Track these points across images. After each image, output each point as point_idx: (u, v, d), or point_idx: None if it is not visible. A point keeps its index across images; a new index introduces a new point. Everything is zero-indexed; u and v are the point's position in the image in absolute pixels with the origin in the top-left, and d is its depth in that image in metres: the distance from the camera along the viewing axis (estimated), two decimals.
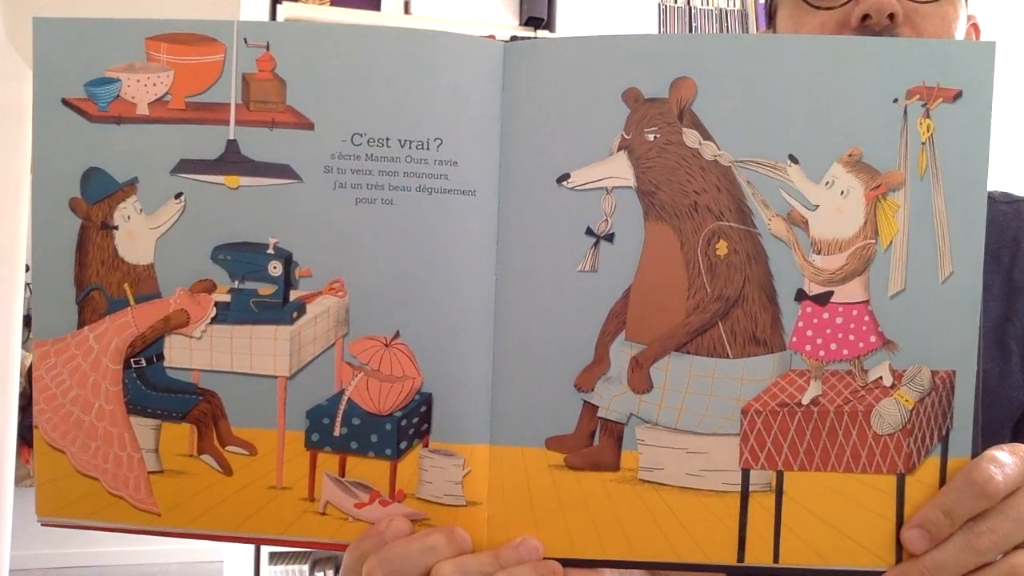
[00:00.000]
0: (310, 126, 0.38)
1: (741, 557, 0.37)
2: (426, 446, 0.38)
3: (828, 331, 0.36)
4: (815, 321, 0.36)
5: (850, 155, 0.36)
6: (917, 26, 0.65)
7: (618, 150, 0.37)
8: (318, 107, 0.38)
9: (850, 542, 0.37)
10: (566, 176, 0.38)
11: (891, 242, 0.36)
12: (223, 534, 0.39)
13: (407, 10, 2.74)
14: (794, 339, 0.37)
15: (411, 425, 0.38)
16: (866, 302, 0.36)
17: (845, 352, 0.36)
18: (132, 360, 0.39)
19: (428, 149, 0.37)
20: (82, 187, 0.39)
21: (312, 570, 2.42)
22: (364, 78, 0.37)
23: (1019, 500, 0.35)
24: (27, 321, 3.40)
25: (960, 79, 0.36)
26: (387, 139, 0.37)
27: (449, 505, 0.38)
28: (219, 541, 0.39)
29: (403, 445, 0.38)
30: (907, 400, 0.36)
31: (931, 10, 0.65)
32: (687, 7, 2.85)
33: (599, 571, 0.39)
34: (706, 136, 0.37)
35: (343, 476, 0.39)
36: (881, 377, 0.36)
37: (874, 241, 0.36)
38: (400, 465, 0.38)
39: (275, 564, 2.36)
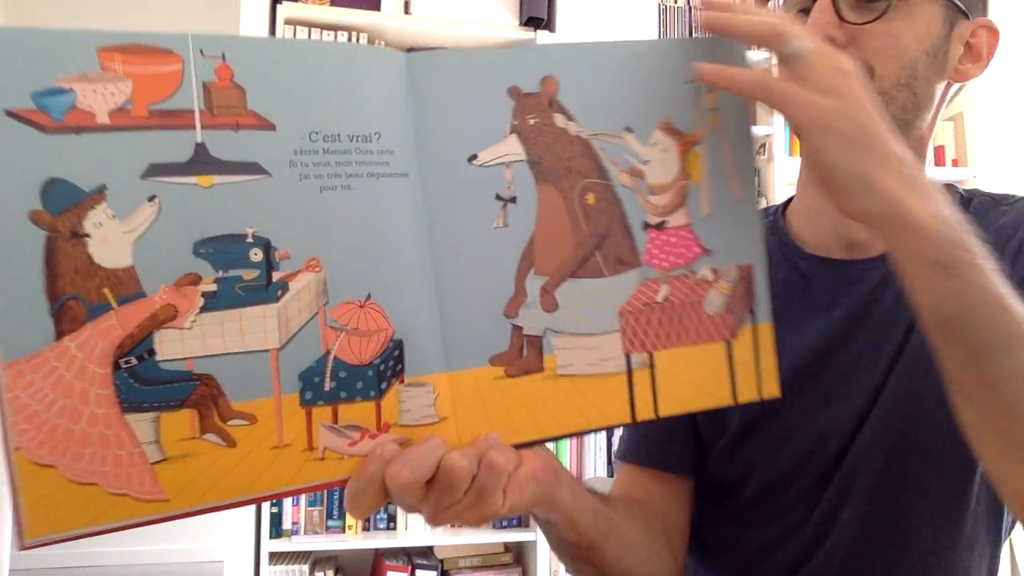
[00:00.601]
0: (272, 127, 0.44)
1: (634, 417, 0.54)
2: (402, 382, 0.48)
3: (667, 248, 0.55)
4: (658, 242, 0.55)
5: (665, 123, 0.54)
6: (862, 45, 0.67)
7: (510, 133, 0.51)
8: (277, 110, 0.44)
9: (702, 392, 0.55)
10: (475, 156, 0.50)
11: (698, 181, 0.55)
12: (234, 500, 0.44)
13: (407, 10, 2.50)
14: (646, 257, 0.54)
15: (388, 368, 0.47)
16: (688, 224, 0.55)
17: (680, 261, 0.55)
18: (122, 361, 0.41)
19: (371, 142, 0.47)
20: (43, 199, 0.40)
21: (312, 570, 2.25)
22: (312, 84, 0.45)
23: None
24: None
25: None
26: (339, 135, 0.46)
27: (426, 424, 0.48)
28: (231, 508, 0.44)
29: (384, 385, 0.47)
30: (725, 288, 0.56)
31: (875, 28, 0.66)
32: (687, 7, 2.82)
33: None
34: (569, 118, 0.52)
35: (336, 423, 0.46)
36: (706, 275, 0.55)
37: (687, 182, 0.55)
38: (383, 402, 0.47)
39: (275, 564, 2.21)
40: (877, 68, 0.67)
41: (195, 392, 0.43)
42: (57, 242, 0.40)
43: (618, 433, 2.50)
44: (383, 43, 2.63)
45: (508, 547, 2.57)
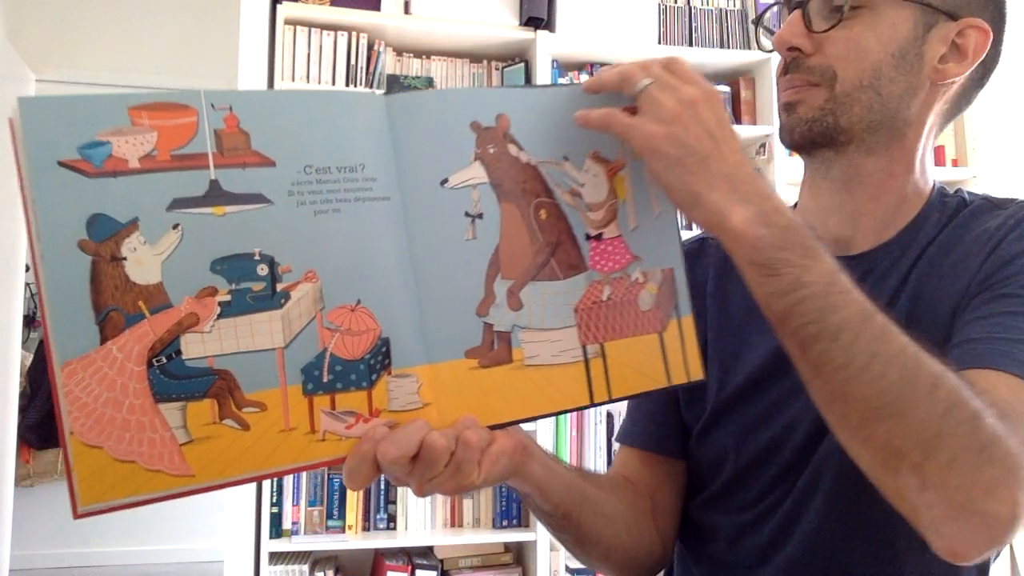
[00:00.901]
0: (273, 164, 0.54)
1: (591, 399, 0.64)
2: (390, 374, 0.57)
3: (606, 255, 0.65)
4: (598, 251, 0.64)
5: (595, 153, 0.65)
6: (826, 51, 0.73)
7: (474, 160, 0.61)
8: (276, 150, 0.54)
9: (644, 376, 0.65)
10: (446, 180, 0.60)
11: (625, 199, 0.65)
12: (250, 476, 0.53)
13: (407, 10, 2.53)
14: (590, 263, 0.64)
15: (377, 362, 0.57)
16: (620, 236, 0.65)
17: (617, 266, 0.65)
18: (154, 360, 0.51)
19: (356, 172, 0.57)
20: (88, 230, 0.50)
21: (312, 570, 2.30)
22: (305, 127, 0.55)
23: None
24: (27, 321, 3.33)
25: None
26: (329, 167, 0.56)
27: (411, 410, 0.58)
28: (247, 483, 0.53)
29: (374, 377, 0.57)
30: (653, 288, 0.66)
31: (837, 35, 0.72)
32: (687, 7, 2.86)
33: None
34: (520, 148, 0.62)
35: (334, 409, 0.56)
36: (637, 278, 0.65)
37: (616, 200, 0.65)
38: (373, 392, 0.57)
39: (275, 564, 2.25)
40: (839, 72, 0.73)
41: (215, 385, 0.53)
42: (100, 265, 0.50)
43: (617, 423, 2.60)
44: (383, 43, 2.65)
45: (508, 547, 2.62)
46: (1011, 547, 2.56)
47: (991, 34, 0.73)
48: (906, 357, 0.56)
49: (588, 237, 0.64)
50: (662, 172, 0.59)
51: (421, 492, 0.58)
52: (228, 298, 0.53)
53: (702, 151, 0.58)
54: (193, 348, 0.52)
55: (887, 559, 0.73)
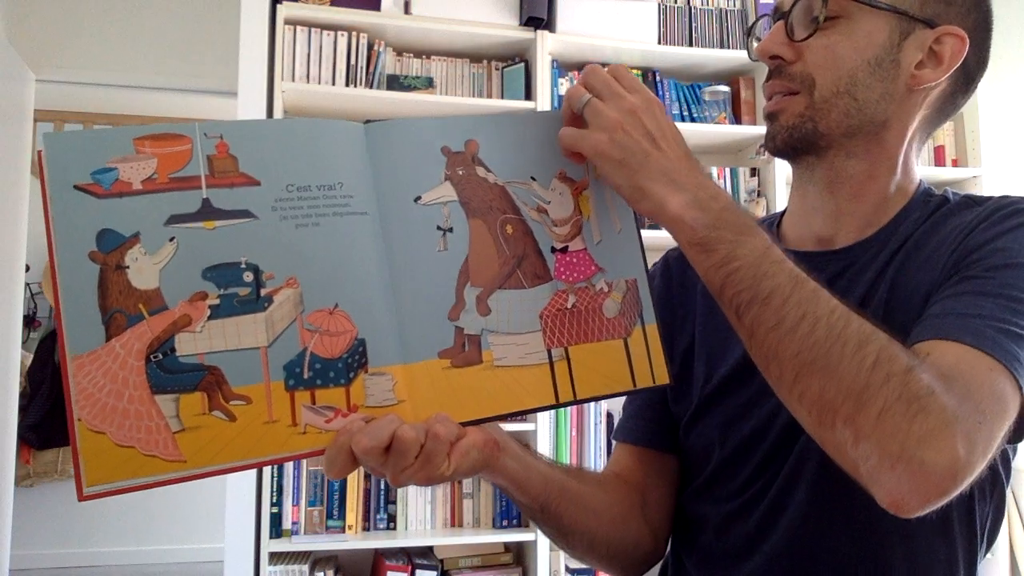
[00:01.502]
0: (258, 183, 0.63)
1: (557, 399, 0.70)
2: (367, 372, 0.66)
3: (571, 267, 0.72)
4: (564, 262, 0.72)
5: (561, 173, 0.73)
6: (806, 59, 0.79)
7: (444, 180, 0.69)
8: (261, 171, 0.63)
9: (609, 379, 0.70)
10: (419, 197, 0.68)
11: (589, 216, 0.72)
12: (239, 464, 0.60)
13: (407, 10, 2.59)
14: (556, 273, 0.71)
15: (354, 361, 0.65)
16: (585, 249, 0.73)
17: (581, 277, 0.72)
18: (152, 356, 0.60)
19: (335, 189, 0.65)
20: (98, 243, 0.59)
21: (312, 570, 2.36)
22: (287, 151, 0.64)
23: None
24: (27, 321, 3.44)
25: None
26: (309, 186, 0.64)
27: (387, 406, 0.66)
28: (235, 471, 0.62)
29: (351, 375, 0.65)
30: (617, 297, 0.73)
31: (815, 43, 0.78)
32: (687, 7, 2.92)
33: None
34: (488, 170, 0.71)
35: (314, 404, 0.64)
36: (602, 287, 0.71)
37: (581, 217, 0.73)
38: (351, 389, 0.65)
39: (275, 564, 2.31)
40: (817, 79, 0.78)
41: (205, 379, 0.61)
42: (107, 273, 0.59)
43: (616, 422, 2.66)
44: (383, 43, 2.71)
45: (508, 547, 2.68)
46: (1011, 547, 2.62)
47: (967, 41, 0.77)
48: (834, 316, 0.61)
49: (554, 250, 0.72)
50: (610, 173, 0.68)
51: (396, 482, 0.64)
52: (217, 302, 0.61)
53: (642, 151, 0.66)
54: (186, 346, 0.61)
55: (874, 544, 0.76)
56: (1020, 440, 0.72)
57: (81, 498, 0.59)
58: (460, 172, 0.69)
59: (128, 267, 0.59)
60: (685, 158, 0.68)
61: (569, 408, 2.64)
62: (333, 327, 0.64)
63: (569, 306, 0.71)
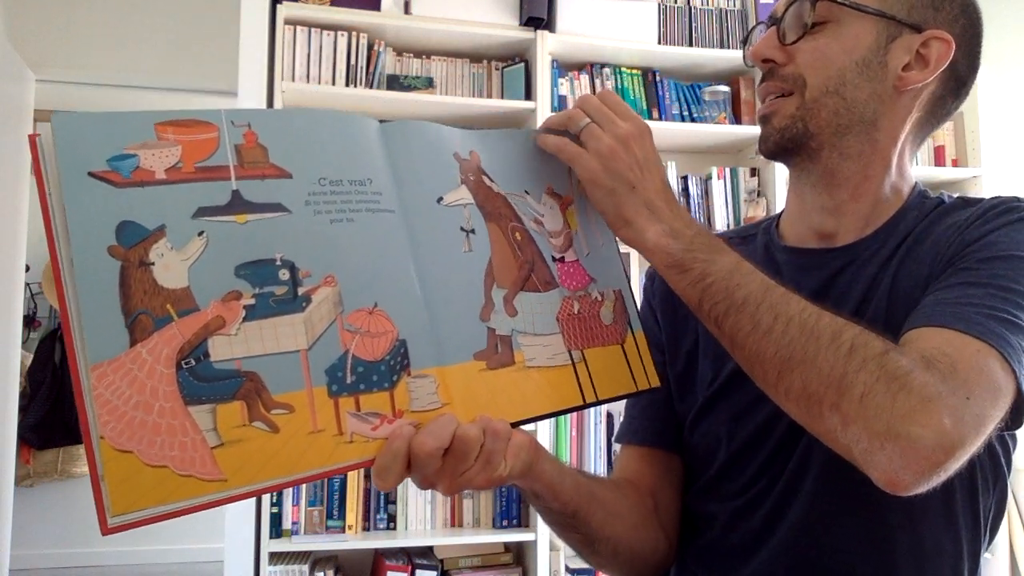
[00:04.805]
0: (290, 175, 0.56)
1: (583, 400, 0.68)
2: (409, 375, 0.59)
3: (570, 275, 0.70)
4: (564, 271, 0.71)
5: (549, 188, 0.71)
6: (797, 60, 0.80)
7: (460, 184, 0.66)
8: (292, 162, 0.56)
9: (616, 381, 0.70)
10: (441, 198, 0.65)
11: (576, 230, 0.72)
12: (283, 481, 0.53)
13: (407, 10, 2.54)
14: (559, 281, 0.70)
15: (397, 363, 0.59)
16: (577, 260, 0.72)
17: (580, 285, 0.72)
18: (183, 362, 0.53)
19: (365, 185, 0.59)
20: (117, 237, 0.51)
21: (312, 570, 2.30)
22: (316, 142, 0.58)
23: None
24: (27, 321, 3.40)
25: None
26: (341, 180, 0.58)
27: (432, 409, 0.60)
28: (278, 490, 0.54)
29: (395, 378, 0.59)
30: (610, 306, 0.72)
31: (805, 45, 0.79)
32: (687, 7, 2.88)
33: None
34: (491, 180, 0.69)
35: (359, 411, 0.58)
36: (597, 296, 0.71)
37: (570, 230, 0.72)
38: (395, 392, 0.59)
39: (275, 564, 2.26)
40: (808, 79, 0.79)
41: (243, 387, 0.54)
42: (129, 270, 0.52)
43: (617, 423, 2.62)
44: (383, 43, 2.66)
45: (508, 547, 2.63)
46: (1011, 547, 2.59)
47: (953, 45, 0.78)
48: (805, 314, 0.63)
49: (554, 259, 0.71)
50: (599, 200, 0.70)
51: (452, 488, 0.59)
52: (252, 302, 0.55)
53: (628, 184, 0.69)
54: (221, 350, 0.54)
55: (880, 537, 0.76)
56: (1020, 426, 0.72)
57: (105, 532, 0.50)
58: (471, 178, 0.68)
59: (153, 263, 0.52)
60: (664, 190, 0.71)
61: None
62: (374, 327, 0.58)
63: (576, 312, 0.71)
